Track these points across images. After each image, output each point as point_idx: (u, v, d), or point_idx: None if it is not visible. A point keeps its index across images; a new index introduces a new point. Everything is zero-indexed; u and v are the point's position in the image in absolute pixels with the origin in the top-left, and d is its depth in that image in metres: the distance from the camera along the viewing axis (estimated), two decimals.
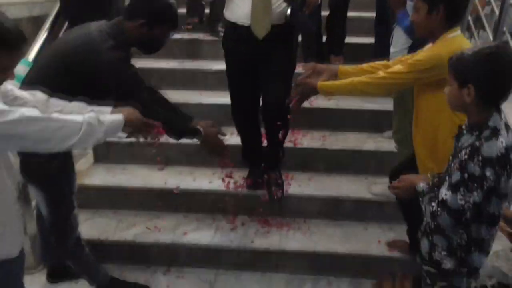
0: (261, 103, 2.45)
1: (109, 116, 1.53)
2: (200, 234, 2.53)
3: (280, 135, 2.45)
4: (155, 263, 2.50)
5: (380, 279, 2.31)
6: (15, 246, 1.46)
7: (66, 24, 2.78)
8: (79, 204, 2.07)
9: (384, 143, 2.89)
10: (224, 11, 2.36)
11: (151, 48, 1.89)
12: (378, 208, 2.59)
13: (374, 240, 2.47)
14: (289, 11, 2.17)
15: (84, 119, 1.39)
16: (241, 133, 2.63)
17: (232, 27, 2.30)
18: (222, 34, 2.68)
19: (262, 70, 2.32)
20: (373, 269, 2.37)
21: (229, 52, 2.40)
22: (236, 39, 2.30)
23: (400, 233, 2.46)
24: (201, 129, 1.97)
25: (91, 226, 2.55)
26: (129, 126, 1.61)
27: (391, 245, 2.41)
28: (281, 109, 2.31)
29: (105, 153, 2.95)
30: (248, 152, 2.67)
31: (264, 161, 2.64)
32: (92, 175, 2.82)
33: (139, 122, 1.64)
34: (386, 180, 2.17)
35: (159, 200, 2.69)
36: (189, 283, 2.39)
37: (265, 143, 2.62)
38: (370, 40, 3.49)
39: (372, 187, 2.61)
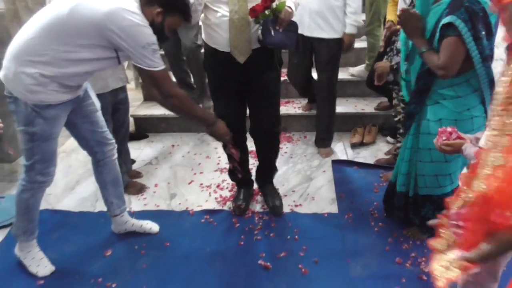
0: (249, 125, 2.42)
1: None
2: None
3: (271, 155, 2.52)
4: None
5: (355, 127, 3.45)
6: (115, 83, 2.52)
7: None
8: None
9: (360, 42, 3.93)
10: (203, 35, 2.25)
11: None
12: (354, 86, 3.71)
13: (352, 106, 3.61)
14: (259, 32, 2.05)
15: None
16: (227, 152, 2.43)
17: (213, 51, 2.17)
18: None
19: (249, 94, 2.26)
20: (349, 122, 3.51)
21: (212, 75, 2.29)
22: (218, 63, 2.20)
23: (370, 101, 3.61)
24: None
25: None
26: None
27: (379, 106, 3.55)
28: (272, 133, 2.38)
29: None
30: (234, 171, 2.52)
31: (257, 179, 2.66)
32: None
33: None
34: (361, 66, 3.41)
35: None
36: None
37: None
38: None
39: (350, 70, 3.71)
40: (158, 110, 3.61)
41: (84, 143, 2.16)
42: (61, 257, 2.23)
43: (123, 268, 2.17)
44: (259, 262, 2.17)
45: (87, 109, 2.06)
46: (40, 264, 2.14)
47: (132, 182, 2.82)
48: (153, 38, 1.76)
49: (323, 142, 3.29)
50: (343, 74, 3.74)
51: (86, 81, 1.99)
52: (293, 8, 2.11)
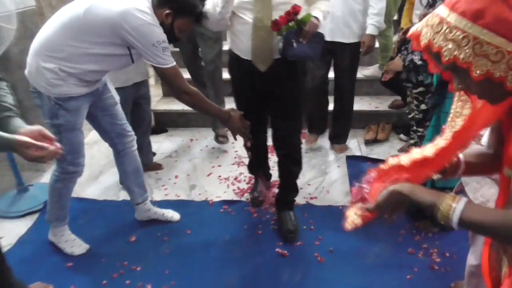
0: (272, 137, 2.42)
1: None
2: None
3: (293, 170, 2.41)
4: None
5: (369, 125, 3.54)
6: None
7: None
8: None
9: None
10: (228, 41, 2.33)
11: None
12: (368, 85, 3.79)
13: (366, 104, 3.70)
14: (280, 44, 2.03)
15: None
16: (246, 148, 2.52)
17: (236, 57, 2.19)
18: None
19: (271, 104, 2.26)
20: (363, 120, 3.59)
21: (235, 80, 2.32)
22: (241, 70, 2.21)
23: (383, 100, 3.70)
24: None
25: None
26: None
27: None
28: (292, 144, 2.34)
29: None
30: (255, 165, 2.67)
31: (276, 202, 2.54)
32: (162, 104, 4.02)
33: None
34: (375, 66, 3.44)
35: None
36: None
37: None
38: None
39: (364, 71, 3.80)
40: (177, 106, 3.73)
41: (105, 135, 2.29)
42: (88, 242, 2.34)
43: (147, 253, 2.29)
44: (276, 250, 2.27)
45: (106, 103, 2.18)
46: (74, 245, 2.29)
47: None
48: (163, 36, 1.87)
49: (338, 140, 3.36)
50: (358, 73, 3.82)
51: (103, 77, 2.10)
52: (321, 18, 2.07)
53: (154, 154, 3.25)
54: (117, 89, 2.33)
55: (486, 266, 1.09)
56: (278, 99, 2.20)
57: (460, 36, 0.78)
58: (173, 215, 2.55)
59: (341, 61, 3.07)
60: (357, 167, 3.08)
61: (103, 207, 2.69)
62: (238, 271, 2.15)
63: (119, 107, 2.24)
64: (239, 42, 2.13)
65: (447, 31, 0.79)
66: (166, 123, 3.79)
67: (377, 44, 3.72)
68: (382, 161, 3.05)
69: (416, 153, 1.07)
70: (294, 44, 1.99)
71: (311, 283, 2.08)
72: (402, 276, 2.08)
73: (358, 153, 3.27)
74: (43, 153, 1.36)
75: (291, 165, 2.39)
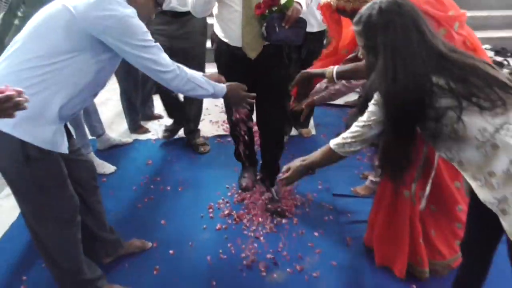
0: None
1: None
2: None
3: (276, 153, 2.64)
4: None
5: None
6: None
7: None
8: None
9: None
10: (214, 28, 2.30)
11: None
12: None
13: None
14: (263, 29, 2.05)
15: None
16: (234, 137, 2.66)
17: (225, 45, 2.22)
18: None
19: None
20: None
21: (223, 66, 2.31)
22: (230, 56, 2.23)
23: None
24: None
25: None
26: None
27: None
28: (278, 130, 2.54)
29: None
30: (240, 153, 2.68)
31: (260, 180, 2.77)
32: None
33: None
34: None
35: None
36: None
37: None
38: None
39: None
40: None
41: None
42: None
43: (163, 170, 3.05)
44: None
45: None
46: (104, 166, 3.01)
47: (140, 125, 3.64)
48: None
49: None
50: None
51: None
52: (304, 5, 2.10)
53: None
54: None
55: None
56: (266, 85, 2.27)
57: None
58: (127, 139, 3.38)
59: (307, 49, 3.18)
60: (319, 109, 3.87)
61: (121, 146, 3.38)
62: (235, 178, 2.90)
63: None
64: (228, 29, 2.18)
65: None
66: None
67: None
68: (339, 105, 3.94)
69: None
70: (277, 29, 2.03)
71: None
72: (351, 172, 2.92)
73: None
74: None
75: (275, 148, 2.62)
